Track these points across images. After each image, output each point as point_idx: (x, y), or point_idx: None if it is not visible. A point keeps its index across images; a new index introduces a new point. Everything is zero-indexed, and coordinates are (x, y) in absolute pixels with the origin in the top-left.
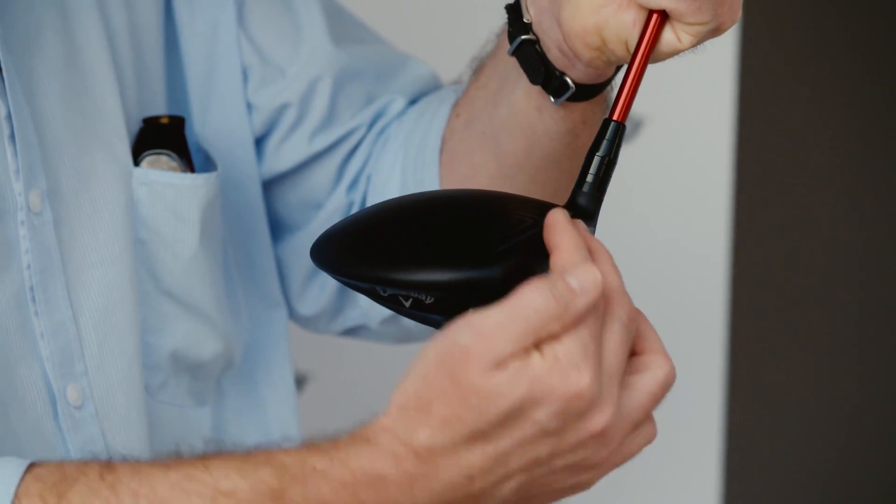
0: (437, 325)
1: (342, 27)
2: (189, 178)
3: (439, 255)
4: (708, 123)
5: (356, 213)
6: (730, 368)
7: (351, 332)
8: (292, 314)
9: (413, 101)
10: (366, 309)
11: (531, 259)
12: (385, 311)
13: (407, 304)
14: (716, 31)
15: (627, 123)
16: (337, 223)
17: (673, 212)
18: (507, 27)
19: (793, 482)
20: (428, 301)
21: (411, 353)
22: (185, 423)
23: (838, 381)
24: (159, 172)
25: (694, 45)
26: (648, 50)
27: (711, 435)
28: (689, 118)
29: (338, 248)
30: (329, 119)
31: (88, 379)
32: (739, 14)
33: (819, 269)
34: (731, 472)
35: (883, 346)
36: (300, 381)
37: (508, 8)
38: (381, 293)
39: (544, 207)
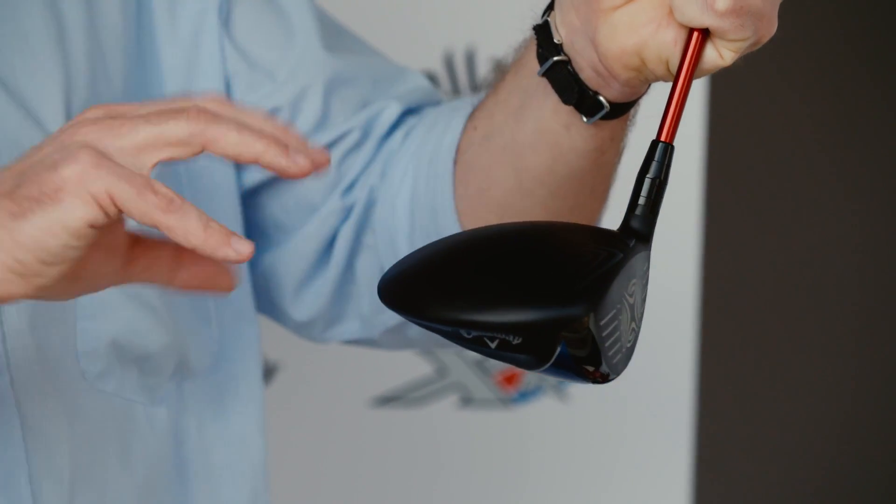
0: (522, 363)
1: (338, 38)
2: None
3: (526, 295)
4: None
5: (422, 248)
6: (700, 372)
7: (352, 342)
8: (286, 321)
9: (410, 111)
10: (368, 320)
11: (613, 293)
12: (389, 322)
13: (493, 346)
14: (755, 45)
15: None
16: (403, 260)
17: None
18: (527, 43)
19: (764, 487)
20: (515, 342)
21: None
22: (134, 420)
23: (809, 384)
24: None
25: (735, 60)
26: (692, 69)
27: (681, 441)
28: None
29: (414, 289)
30: (322, 122)
31: (5, 348)
32: (776, 25)
33: (791, 269)
34: (701, 478)
35: (856, 348)
36: (270, 372)
37: (537, 29)
38: (466, 335)
39: (613, 237)
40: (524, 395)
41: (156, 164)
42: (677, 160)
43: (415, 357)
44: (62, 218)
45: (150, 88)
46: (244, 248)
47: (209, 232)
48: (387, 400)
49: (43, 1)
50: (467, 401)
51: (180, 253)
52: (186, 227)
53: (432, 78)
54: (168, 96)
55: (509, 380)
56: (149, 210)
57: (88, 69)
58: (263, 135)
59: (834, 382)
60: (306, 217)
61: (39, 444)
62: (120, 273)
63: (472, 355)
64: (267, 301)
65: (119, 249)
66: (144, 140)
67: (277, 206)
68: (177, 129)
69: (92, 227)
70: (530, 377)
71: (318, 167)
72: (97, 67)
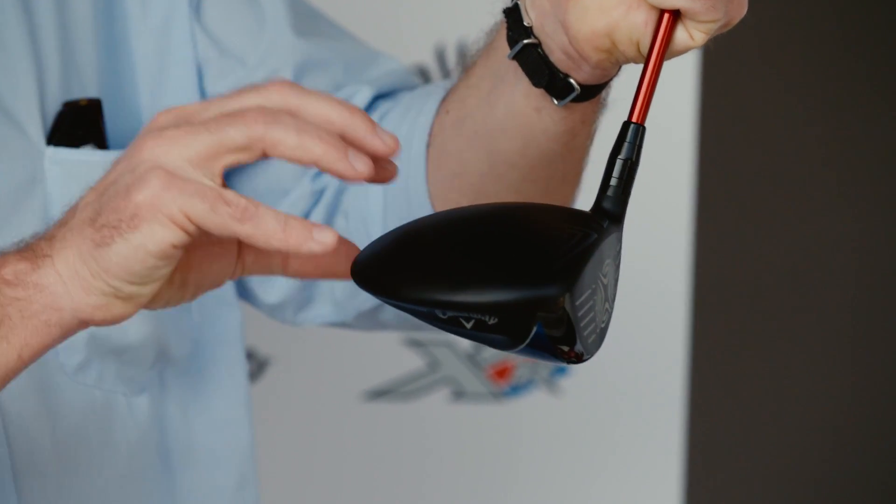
0: (498, 344)
1: (310, 22)
2: (100, 154)
3: (501, 275)
4: (670, 111)
5: (396, 230)
6: (692, 366)
7: (325, 325)
8: (258, 304)
9: (383, 96)
10: (342, 304)
11: (588, 273)
12: (362, 307)
13: (469, 326)
14: (725, 27)
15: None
16: (376, 241)
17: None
18: (498, 27)
19: (755, 481)
20: (491, 322)
21: (372, 338)
22: (113, 410)
23: (801, 381)
24: (71, 150)
25: (705, 41)
26: (663, 50)
27: (673, 436)
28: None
29: (388, 270)
30: None
31: None
32: (746, 7)
33: (783, 265)
34: (692, 471)
35: (850, 345)
36: (262, 366)
37: (507, 11)
38: (441, 316)
39: (587, 218)
40: (516, 389)
41: (223, 170)
42: (669, 157)
43: (406, 351)
44: (144, 243)
45: (122, 78)
46: (327, 237)
47: (289, 231)
48: (378, 393)
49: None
50: (459, 394)
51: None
52: (266, 232)
53: (424, 71)
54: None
55: (501, 373)
56: (224, 222)
57: (60, 64)
58: (323, 138)
59: (827, 380)
60: (277, 201)
61: (23, 440)
62: (235, 267)
63: (465, 349)
64: (238, 283)
65: (230, 246)
66: (207, 149)
67: (249, 189)
68: (236, 135)
69: (175, 247)
70: (522, 371)
71: (387, 155)
72: (68, 62)
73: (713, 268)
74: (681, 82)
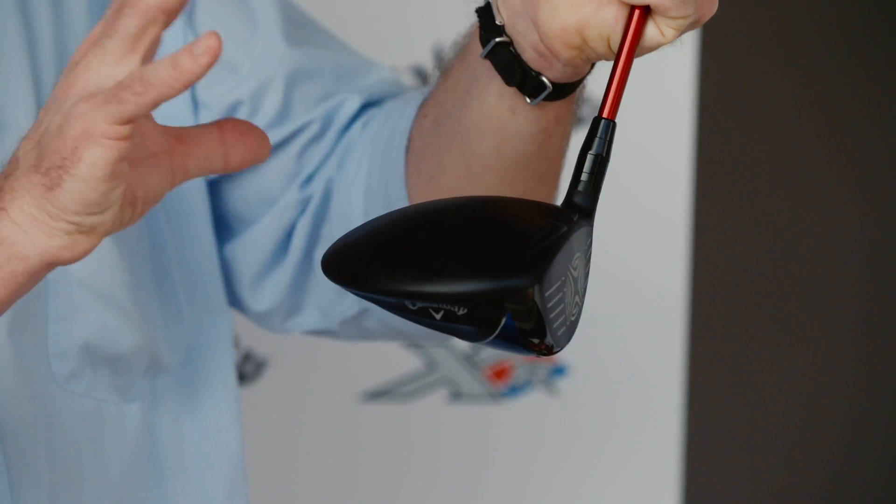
0: (467, 335)
1: (303, 31)
2: None
3: (470, 265)
4: (668, 108)
5: (367, 223)
6: (690, 365)
7: (312, 333)
8: (247, 311)
9: (373, 104)
10: (326, 310)
11: (558, 265)
12: (347, 313)
13: (438, 317)
14: (696, 24)
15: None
16: (346, 234)
17: (631, 207)
18: (475, 29)
19: (754, 478)
20: (461, 312)
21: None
22: (103, 419)
23: (800, 380)
24: None
25: (676, 38)
26: (633, 46)
27: (671, 436)
28: (647, 103)
29: (358, 262)
30: (282, 115)
31: None
32: (717, 4)
33: (782, 263)
34: (690, 471)
35: (849, 343)
36: (259, 367)
37: (479, 11)
38: (410, 307)
39: (557, 212)
40: (514, 390)
41: (139, 62)
42: (667, 155)
43: (404, 352)
44: (92, 171)
45: None
46: (208, 42)
47: (178, 66)
48: (376, 395)
49: (14, 3)
50: (457, 395)
51: (225, 134)
52: (166, 83)
53: (422, 72)
54: None
55: (499, 374)
56: (137, 103)
57: (56, 71)
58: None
59: (827, 379)
60: (265, 208)
61: (18, 451)
62: (176, 174)
63: (462, 350)
64: (227, 291)
65: (160, 157)
66: (114, 53)
67: (237, 196)
68: (128, 26)
69: (121, 161)
70: (520, 372)
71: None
72: (64, 68)
73: (711, 267)
74: (678, 78)
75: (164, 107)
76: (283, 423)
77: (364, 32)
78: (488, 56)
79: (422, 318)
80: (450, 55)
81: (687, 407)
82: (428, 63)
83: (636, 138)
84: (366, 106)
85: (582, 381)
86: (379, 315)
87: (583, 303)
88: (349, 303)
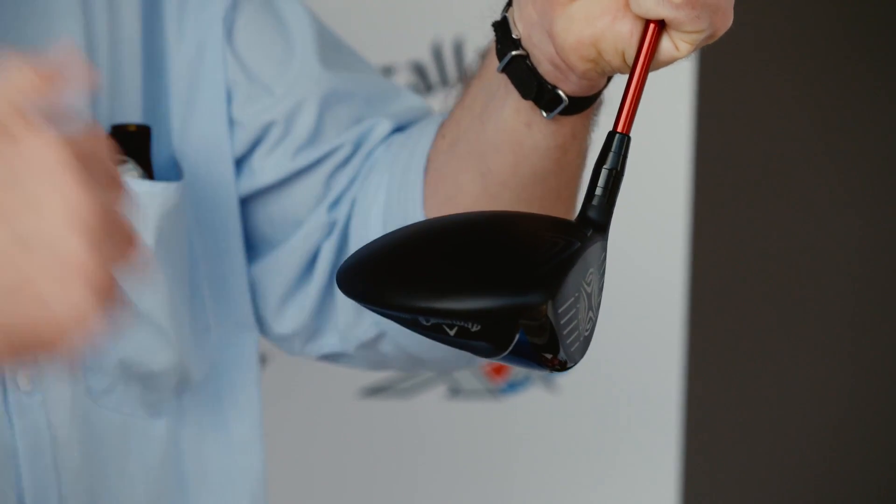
0: (481, 351)
1: (337, 54)
2: (146, 184)
3: (484, 282)
4: (667, 111)
5: (382, 237)
6: (689, 362)
7: (328, 358)
8: (268, 333)
9: (401, 129)
10: (343, 333)
11: (571, 281)
12: (363, 336)
13: (452, 333)
14: (710, 38)
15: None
16: (360, 249)
17: (631, 207)
18: (492, 48)
19: (752, 473)
20: (474, 329)
21: None
22: (130, 433)
23: (798, 379)
24: None
25: (690, 53)
26: (648, 60)
27: (670, 432)
28: (647, 103)
29: (373, 277)
30: (314, 137)
31: (38, 368)
32: (732, 19)
33: (781, 262)
34: (690, 467)
35: (848, 342)
36: (260, 361)
37: (496, 25)
38: (424, 323)
39: (571, 227)
40: (513, 386)
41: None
42: (666, 157)
43: None
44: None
45: (158, 99)
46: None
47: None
48: (375, 391)
49: (77, 16)
50: (455, 391)
51: None
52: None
53: (421, 69)
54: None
55: (498, 370)
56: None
57: (109, 84)
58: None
59: (826, 379)
60: (291, 230)
61: (68, 467)
62: None
63: None
64: (253, 313)
65: None
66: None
67: (263, 217)
68: (23, 78)
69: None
70: (519, 368)
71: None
72: (116, 83)
73: (710, 266)
74: (677, 80)
75: (203, 125)
76: (282, 418)
77: (364, 30)
78: (505, 69)
79: (436, 333)
80: (469, 76)
81: (685, 403)
82: (426, 60)
83: (636, 138)
84: (395, 131)
85: (580, 377)
86: (395, 339)
87: (597, 318)
88: (366, 326)
